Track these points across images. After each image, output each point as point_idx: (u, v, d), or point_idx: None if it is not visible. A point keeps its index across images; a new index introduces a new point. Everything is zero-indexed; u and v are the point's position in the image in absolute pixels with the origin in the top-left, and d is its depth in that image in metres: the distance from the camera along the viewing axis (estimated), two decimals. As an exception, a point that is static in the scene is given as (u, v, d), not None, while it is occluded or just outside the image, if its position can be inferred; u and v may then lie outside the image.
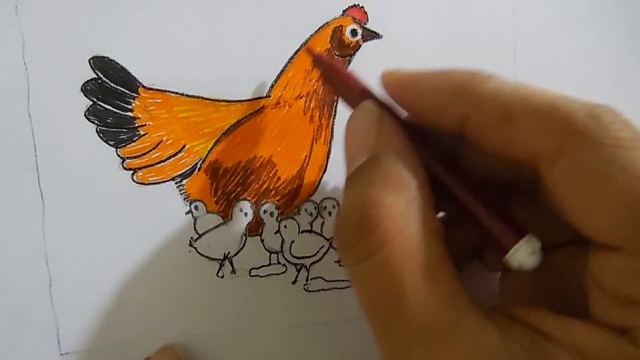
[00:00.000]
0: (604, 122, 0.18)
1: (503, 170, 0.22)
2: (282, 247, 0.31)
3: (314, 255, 0.31)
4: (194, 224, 0.30)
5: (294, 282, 0.31)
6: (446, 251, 0.20)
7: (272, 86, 0.30)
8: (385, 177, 0.21)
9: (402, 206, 0.20)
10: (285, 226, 0.31)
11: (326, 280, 0.31)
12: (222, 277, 0.30)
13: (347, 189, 0.22)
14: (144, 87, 0.29)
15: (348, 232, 0.20)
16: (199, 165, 0.30)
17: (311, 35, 0.31)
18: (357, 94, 0.25)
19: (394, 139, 0.22)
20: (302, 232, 0.31)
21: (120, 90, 0.29)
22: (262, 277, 0.31)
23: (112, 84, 0.29)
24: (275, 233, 0.31)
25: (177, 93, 0.30)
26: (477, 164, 0.22)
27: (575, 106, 0.19)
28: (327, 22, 0.31)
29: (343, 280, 0.31)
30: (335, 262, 0.31)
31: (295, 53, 0.31)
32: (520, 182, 0.23)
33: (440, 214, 0.23)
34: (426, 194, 0.21)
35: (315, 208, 0.31)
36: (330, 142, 0.31)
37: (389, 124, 0.22)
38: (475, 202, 0.22)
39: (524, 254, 0.21)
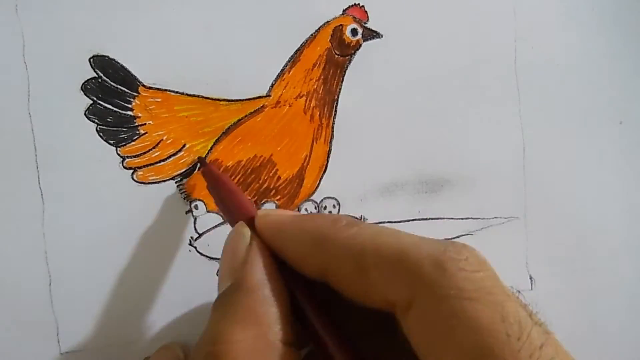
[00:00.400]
0: (449, 272, 0.18)
1: (368, 311, 0.21)
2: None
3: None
4: (194, 223, 0.30)
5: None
6: None
7: (272, 85, 0.30)
8: (239, 311, 0.21)
9: (249, 343, 0.20)
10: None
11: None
12: (222, 276, 0.30)
13: (211, 313, 0.22)
14: (144, 86, 0.29)
15: None
16: (199, 165, 0.30)
17: (311, 35, 0.31)
18: (240, 214, 0.25)
19: (258, 267, 0.22)
20: (303, 231, 0.31)
21: (121, 89, 0.29)
22: (262, 276, 0.31)
23: (112, 83, 0.29)
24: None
25: (177, 92, 0.30)
26: (343, 305, 0.22)
27: (422, 255, 0.19)
28: (328, 22, 0.31)
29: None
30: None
31: (296, 52, 0.30)
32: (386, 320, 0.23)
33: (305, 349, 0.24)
34: (279, 329, 0.21)
35: (315, 207, 0.31)
36: (330, 142, 0.31)
37: (257, 251, 0.23)
38: (331, 341, 0.21)
39: None
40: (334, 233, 0.21)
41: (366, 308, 0.21)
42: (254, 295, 0.21)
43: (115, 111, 0.29)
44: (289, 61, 0.30)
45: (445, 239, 0.20)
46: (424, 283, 0.18)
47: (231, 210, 0.26)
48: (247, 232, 0.23)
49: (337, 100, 0.31)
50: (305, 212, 0.31)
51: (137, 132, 0.29)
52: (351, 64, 0.31)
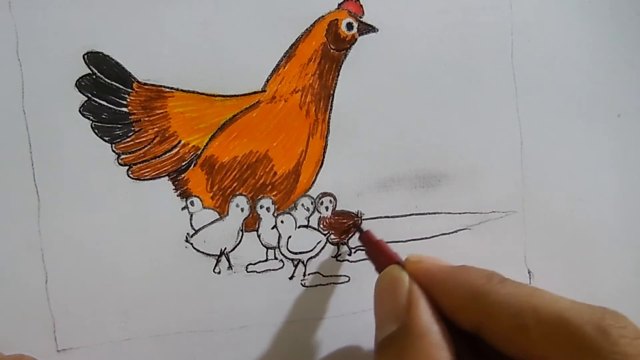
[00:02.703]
0: (612, 337, 0.19)
1: None
2: (279, 242, 0.31)
3: (311, 250, 0.31)
4: (190, 219, 0.30)
5: (291, 278, 0.31)
6: None
7: (267, 81, 0.30)
8: (414, 355, 0.21)
9: None
10: (282, 221, 0.31)
11: (323, 276, 0.31)
12: (219, 273, 0.30)
13: (377, 356, 0.23)
14: (138, 82, 0.29)
15: None
16: (194, 161, 0.30)
17: (306, 29, 0.30)
18: (390, 257, 0.27)
19: (424, 312, 0.23)
20: (299, 227, 0.31)
21: (115, 85, 0.29)
22: (259, 272, 0.31)
23: (106, 80, 0.29)
24: (272, 228, 0.31)
25: (172, 88, 0.29)
26: (497, 356, 0.23)
27: (584, 318, 0.20)
28: (323, 16, 0.31)
29: (340, 276, 0.31)
30: (332, 257, 0.31)
31: (291, 47, 0.30)
32: None
33: None
34: None
35: (312, 203, 0.31)
36: (326, 137, 0.31)
37: (419, 295, 0.23)
38: None
39: None
40: (491, 290, 0.22)
41: None
42: (426, 339, 0.22)
43: (110, 108, 0.29)
44: (284, 56, 0.30)
45: (601, 306, 0.21)
46: (589, 347, 0.19)
47: (381, 254, 0.27)
48: (406, 276, 0.24)
49: (333, 95, 0.31)
50: (303, 207, 0.31)
51: (132, 128, 0.29)
52: (347, 58, 0.31)
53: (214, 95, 0.30)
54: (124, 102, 0.29)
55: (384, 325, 0.24)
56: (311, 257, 0.31)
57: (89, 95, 0.29)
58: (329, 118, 0.31)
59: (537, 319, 0.20)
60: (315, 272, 0.31)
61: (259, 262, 0.31)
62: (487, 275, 0.23)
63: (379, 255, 0.28)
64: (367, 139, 0.31)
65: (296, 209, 0.31)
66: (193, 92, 0.30)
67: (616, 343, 0.19)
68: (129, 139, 0.29)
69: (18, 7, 0.28)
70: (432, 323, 0.22)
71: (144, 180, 0.29)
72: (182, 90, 0.30)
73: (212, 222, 0.30)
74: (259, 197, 0.31)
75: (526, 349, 0.21)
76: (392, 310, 0.24)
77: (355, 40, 0.31)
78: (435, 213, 0.32)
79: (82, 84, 0.29)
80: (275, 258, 0.31)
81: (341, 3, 0.31)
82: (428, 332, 0.22)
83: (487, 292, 0.22)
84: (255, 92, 0.30)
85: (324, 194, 0.31)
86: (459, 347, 0.22)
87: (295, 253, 0.31)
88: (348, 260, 0.32)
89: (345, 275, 0.31)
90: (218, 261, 0.30)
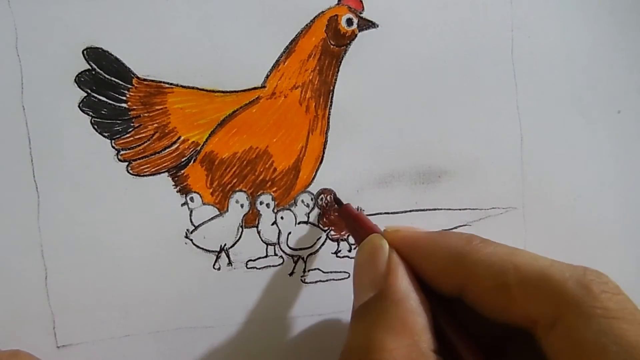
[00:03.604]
0: (593, 292, 0.19)
1: (501, 327, 0.22)
2: (278, 238, 0.31)
3: (311, 246, 0.31)
4: (190, 215, 0.30)
5: (291, 274, 0.31)
6: None
7: (267, 76, 0.30)
8: (389, 320, 0.21)
9: (404, 351, 0.20)
10: (281, 217, 0.31)
11: (323, 272, 0.31)
12: (219, 269, 0.30)
13: (352, 323, 0.23)
14: (138, 78, 0.29)
15: None
16: (194, 157, 0.30)
17: (306, 25, 0.30)
18: (369, 229, 0.26)
19: (402, 279, 0.23)
20: (299, 223, 0.31)
21: (115, 81, 0.29)
22: (258, 269, 0.31)
23: (106, 75, 0.29)
24: (272, 224, 0.31)
25: (171, 84, 0.29)
26: (477, 321, 0.23)
27: (565, 275, 0.20)
28: (323, 12, 0.30)
29: (340, 272, 0.31)
30: (332, 253, 0.31)
31: (291, 43, 0.30)
32: (517, 335, 0.24)
33: None
34: (429, 338, 0.21)
35: (312, 199, 0.31)
36: (326, 133, 0.31)
37: (397, 263, 0.23)
38: (469, 356, 0.22)
39: None
40: (471, 251, 0.22)
41: (502, 325, 0.21)
42: (402, 305, 0.22)
43: (109, 103, 0.29)
44: (284, 52, 0.30)
45: (582, 266, 0.21)
46: (571, 302, 0.19)
47: (361, 227, 0.27)
48: (386, 244, 0.24)
49: (333, 91, 0.31)
50: (302, 204, 0.31)
51: (132, 124, 0.29)
52: (347, 54, 0.31)
53: (213, 91, 0.30)
54: (124, 98, 0.29)
55: (361, 293, 0.23)
56: (311, 253, 0.31)
57: (89, 91, 0.29)
58: (329, 114, 0.31)
59: (519, 277, 0.20)
60: (315, 269, 0.31)
61: (259, 258, 0.31)
62: (467, 238, 0.23)
63: (359, 227, 0.27)
64: (367, 135, 0.31)
65: (296, 205, 0.31)
66: (193, 88, 0.30)
67: (597, 298, 0.19)
68: (128, 135, 0.29)
69: (17, 2, 0.28)
70: (409, 290, 0.22)
71: (143, 176, 0.29)
72: (181, 86, 0.29)
73: (212, 218, 0.30)
74: (259, 193, 0.31)
75: (508, 307, 0.21)
76: (371, 278, 0.23)
77: (355, 36, 0.31)
78: (435, 209, 0.32)
79: (81, 80, 0.29)
80: (275, 254, 0.31)
81: (341, -1, 0.31)
82: (405, 298, 0.22)
83: (468, 253, 0.22)
84: (255, 88, 0.30)
85: (324, 190, 0.31)
86: (437, 315, 0.22)
87: (295, 249, 0.31)
88: (348, 257, 0.32)
89: (345, 272, 0.31)
90: (218, 257, 0.30)
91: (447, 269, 0.22)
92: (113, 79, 0.29)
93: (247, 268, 0.30)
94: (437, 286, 0.23)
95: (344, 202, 0.30)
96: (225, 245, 0.30)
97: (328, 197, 0.31)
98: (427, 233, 0.25)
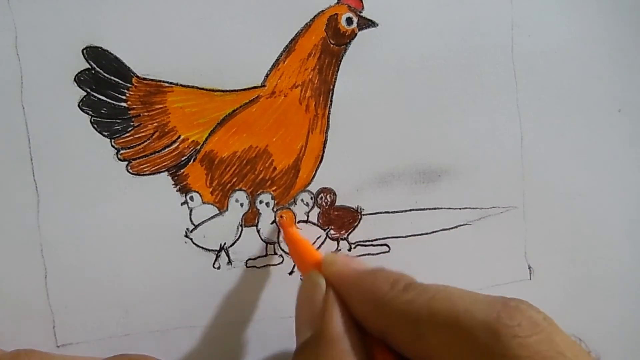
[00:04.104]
0: (503, 340, 0.18)
1: None
2: (278, 237, 0.31)
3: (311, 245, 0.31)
4: (190, 215, 0.30)
5: (290, 273, 0.31)
6: None
7: (267, 75, 0.30)
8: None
9: None
10: (281, 216, 0.31)
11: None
12: (219, 268, 0.30)
13: None
14: (137, 77, 0.29)
15: None
16: (194, 156, 0.30)
17: (306, 24, 0.30)
18: (310, 263, 0.26)
19: (336, 319, 0.23)
20: (299, 222, 0.31)
21: (114, 80, 0.29)
22: (258, 268, 0.31)
23: (105, 75, 0.29)
24: (272, 223, 0.31)
25: (171, 83, 0.29)
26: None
27: (475, 322, 0.19)
28: (322, 11, 0.30)
29: (340, 271, 0.31)
30: (332, 252, 0.31)
31: (291, 42, 0.30)
32: None
33: None
34: None
35: (311, 198, 0.31)
36: (326, 132, 0.31)
37: (332, 302, 0.23)
38: None
39: None
40: (392, 298, 0.22)
41: None
42: (336, 347, 0.22)
43: (109, 103, 0.29)
44: (283, 51, 0.30)
45: (501, 297, 0.20)
46: (480, 352, 0.19)
47: (301, 256, 0.27)
48: (323, 282, 0.24)
49: (333, 90, 0.31)
50: (302, 203, 0.31)
51: (132, 123, 0.29)
52: (347, 53, 0.31)
53: (213, 90, 0.30)
54: (123, 97, 0.29)
55: (301, 332, 0.24)
56: (311, 253, 0.31)
57: (88, 90, 0.29)
58: (329, 113, 0.31)
59: (434, 326, 0.20)
60: (315, 268, 0.31)
61: (259, 257, 0.31)
62: (393, 282, 0.22)
63: (301, 254, 0.28)
64: (367, 134, 0.31)
65: (296, 204, 0.31)
66: (192, 87, 0.30)
67: (507, 346, 0.18)
68: (128, 134, 0.29)
69: (17, 1, 0.28)
70: (344, 330, 0.22)
71: (143, 175, 0.29)
72: (181, 85, 0.29)
73: (212, 217, 0.30)
74: (259, 192, 0.30)
75: (427, 355, 0.20)
76: (309, 317, 0.24)
77: (355, 35, 0.31)
78: (435, 208, 0.32)
79: (81, 79, 0.29)
80: (275, 253, 0.31)
81: (341, -2, 0.31)
82: (339, 339, 0.22)
83: (388, 300, 0.22)
84: (254, 87, 0.30)
85: (324, 189, 0.31)
86: (372, 352, 0.22)
87: (295, 248, 0.31)
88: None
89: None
90: (217, 256, 0.30)
91: (369, 314, 0.22)
92: (113, 78, 0.29)
93: (247, 267, 0.30)
94: (365, 327, 0.23)
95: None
96: (225, 244, 0.30)
97: (328, 196, 0.31)
98: (358, 271, 0.24)
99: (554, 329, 0.19)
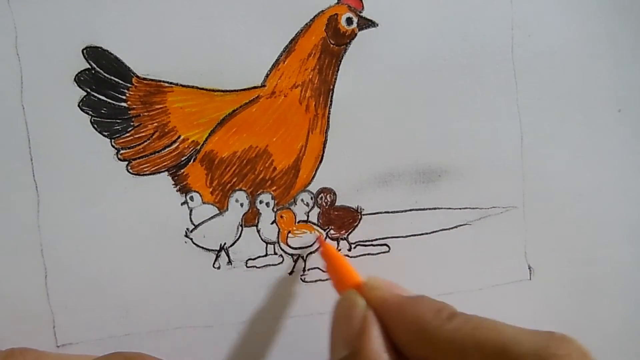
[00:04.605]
0: None
1: None
2: (278, 237, 0.31)
3: (311, 245, 0.31)
4: (190, 215, 0.30)
5: (290, 273, 0.31)
6: None
7: (267, 76, 0.30)
8: None
9: None
10: (281, 216, 0.31)
11: (323, 271, 0.31)
12: (219, 268, 0.30)
13: None
14: (138, 77, 0.29)
15: None
16: (194, 156, 0.30)
17: (306, 24, 0.30)
18: (350, 283, 0.26)
19: (375, 341, 0.23)
20: (299, 222, 0.31)
21: (114, 80, 0.29)
22: (258, 268, 0.31)
23: (105, 75, 0.29)
24: (272, 223, 0.31)
25: (171, 83, 0.29)
26: None
27: (523, 351, 0.19)
28: (322, 11, 0.30)
29: (340, 271, 0.31)
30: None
31: (291, 42, 0.30)
32: None
33: None
34: None
35: (311, 198, 0.31)
36: (326, 132, 0.31)
37: (372, 323, 0.23)
38: None
39: None
40: (436, 327, 0.22)
41: None
42: None
43: (109, 103, 0.29)
44: (283, 51, 0.30)
45: (548, 332, 0.20)
46: None
47: (340, 274, 0.27)
48: (363, 302, 0.24)
49: (333, 90, 0.31)
50: (302, 203, 0.31)
51: (132, 123, 0.29)
52: (347, 53, 0.31)
53: (213, 90, 0.30)
54: (123, 97, 0.29)
55: (336, 350, 0.24)
56: (311, 252, 0.31)
57: (88, 90, 0.29)
58: (329, 113, 0.31)
59: (481, 355, 0.20)
60: (315, 268, 0.31)
61: (259, 257, 0.31)
62: (437, 310, 0.23)
63: (340, 274, 0.28)
64: (367, 134, 0.31)
65: (296, 204, 0.31)
66: (192, 87, 0.30)
67: None
68: (128, 134, 0.29)
69: (17, 1, 0.28)
70: (381, 352, 0.22)
71: (143, 175, 0.29)
72: (181, 85, 0.29)
73: (212, 217, 0.30)
74: (259, 192, 0.30)
75: None
76: (345, 335, 0.24)
77: (355, 35, 0.31)
78: (435, 208, 0.32)
79: (81, 79, 0.29)
80: (275, 253, 0.31)
81: (341, -2, 0.31)
82: (377, 359, 0.22)
83: (433, 328, 0.22)
84: (254, 87, 0.30)
85: (324, 189, 0.31)
86: None
87: (295, 248, 0.31)
88: (348, 256, 0.32)
89: (345, 271, 0.31)
90: (217, 256, 0.30)
91: (413, 341, 0.22)
92: (113, 78, 0.29)
93: (247, 267, 0.30)
94: (405, 354, 0.23)
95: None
96: (225, 244, 0.30)
97: (328, 196, 0.31)
98: (401, 298, 0.24)
99: None
